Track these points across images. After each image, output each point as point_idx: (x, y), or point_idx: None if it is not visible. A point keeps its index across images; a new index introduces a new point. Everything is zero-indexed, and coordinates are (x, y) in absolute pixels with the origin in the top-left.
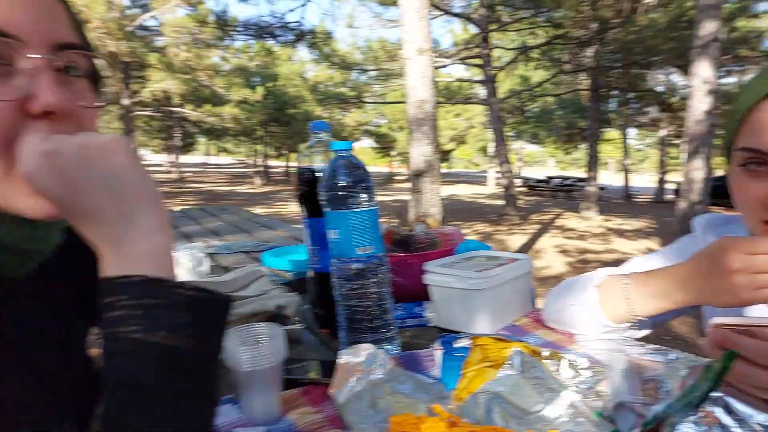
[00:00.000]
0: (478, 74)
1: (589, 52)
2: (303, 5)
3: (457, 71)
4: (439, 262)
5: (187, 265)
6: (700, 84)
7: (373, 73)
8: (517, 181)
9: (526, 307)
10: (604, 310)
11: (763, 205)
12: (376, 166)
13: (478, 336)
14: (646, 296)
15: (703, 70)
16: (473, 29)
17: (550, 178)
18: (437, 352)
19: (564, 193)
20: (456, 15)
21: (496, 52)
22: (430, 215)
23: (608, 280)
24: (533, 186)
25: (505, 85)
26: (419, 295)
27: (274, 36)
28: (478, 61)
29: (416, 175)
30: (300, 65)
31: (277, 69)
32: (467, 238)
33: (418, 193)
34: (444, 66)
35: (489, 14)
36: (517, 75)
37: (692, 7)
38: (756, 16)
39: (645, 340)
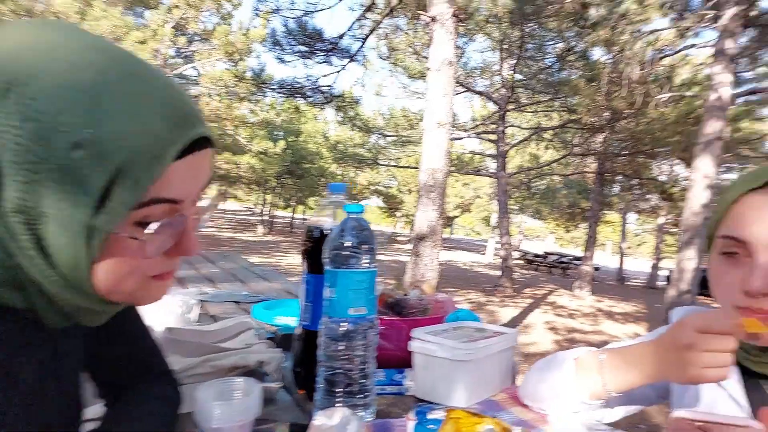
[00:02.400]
0: (490, 148)
1: (599, 137)
2: (338, 71)
3: (471, 144)
4: (427, 329)
5: (176, 311)
6: (700, 178)
7: (391, 138)
8: (516, 254)
9: (505, 383)
10: (579, 384)
11: (738, 291)
12: (380, 224)
13: (453, 409)
14: (619, 370)
15: (705, 166)
16: (492, 107)
17: (548, 253)
18: (410, 423)
19: (560, 270)
20: (478, 93)
21: (510, 130)
22: (426, 281)
23: (586, 354)
24: (530, 260)
25: (515, 161)
26: (403, 361)
27: (305, 96)
28: (492, 136)
29: (418, 239)
30: (324, 124)
31: (302, 126)
32: (459, 306)
33: (418, 257)
34: (460, 138)
35: (509, 95)
36: (527, 152)
37: (700, 106)
38: (760, 119)
39: (616, 425)
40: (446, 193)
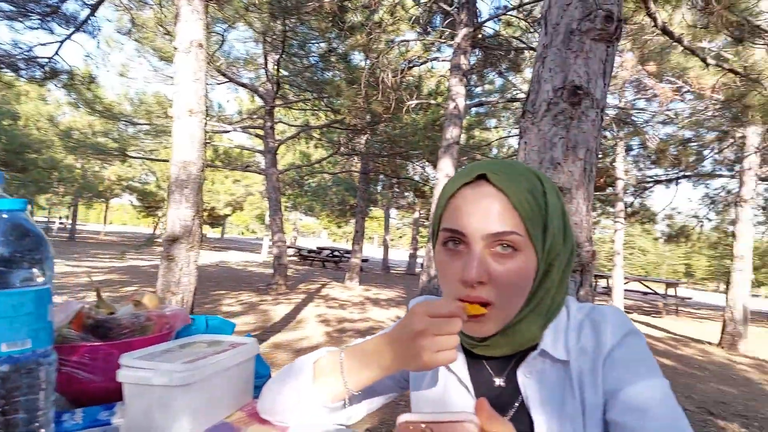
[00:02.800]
0: (259, 144)
1: (362, 138)
2: (61, 42)
3: (240, 138)
4: (141, 352)
5: None
6: (443, 177)
7: (143, 127)
8: (290, 251)
9: (243, 399)
10: (320, 389)
11: (457, 282)
12: (136, 225)
13: None
14: (358, 367)
15: (446, 166)
16: (259, 101)
17: (321, 248)
18: None
19: (333, 264)
20: (242, 85)
21: (280, 126)
22: (149, 292)
23: (326, 355)
24: (305, 256)
25: (287, 158)
26: (115, 394)
27: (15, 69)
28: (260, 131)
29: (171, 241)
30: (55, 107)
31: (20, 107)
32: (221, 313)
33: (171, 261)
34: (226, 131)
35: (275, 90)
36: (298, 150)
37: (443, 114)
38: (488, 129)
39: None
40: (215, 189)
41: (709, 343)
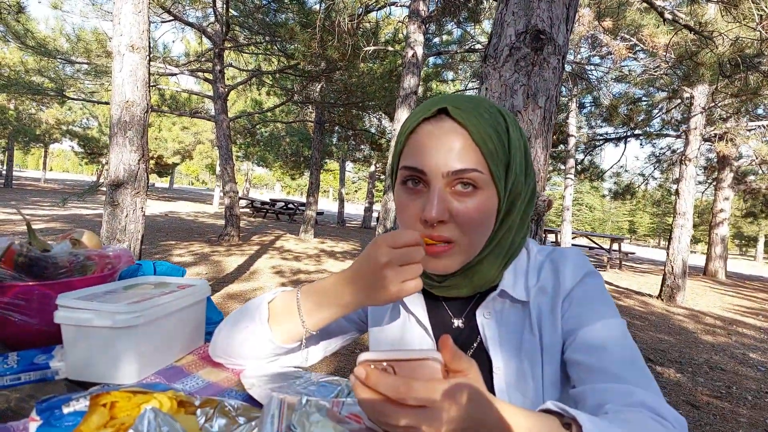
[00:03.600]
0: (209, 90)
1: (317, 87)
2: None
3: (188, 82)
4: (80, 293)
5: None
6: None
7: (83, 67)
8: (243, 202)
9: (195, 342)
10: (275, 328)
11: (418, 221)
12: (78, 173)
13: (105, 392)
14: (316, 304)
15: (404, 117)
16: (208, 43)
17: (274, 201)
18: (32, 425)
19: (287, 216)
20: (189, 24)
21: (230, 71)
22: (88, 231)
23: (280, 295)
24: (258, 208)
25: (238, 105)
26: (54, 337)
27: None
28: (209, 75)
29: (115, 186)
30: None
31: None
32: (172, 260)
33: (115, 206)
34: (173, 74)
35: (225, 32)
36: (250, 97)
37: (401, 64)
38: (445, 81)
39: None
40: (162, 137)
41: (650, 296)
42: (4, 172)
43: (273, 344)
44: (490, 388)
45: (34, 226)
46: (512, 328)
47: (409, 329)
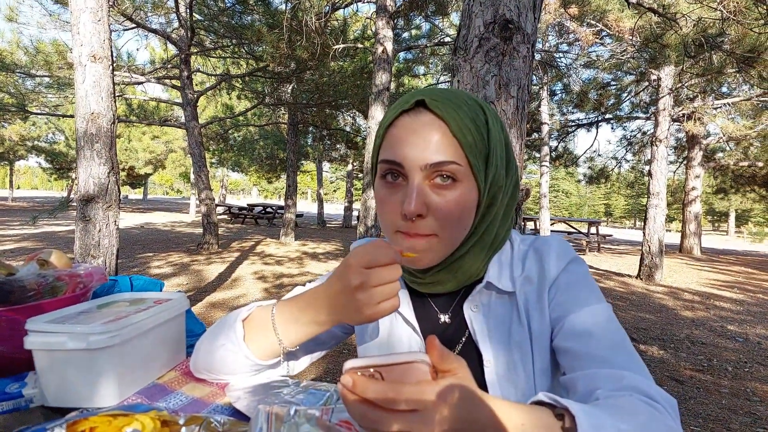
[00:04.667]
0: (177, 97)
1: (288, 88)
2: None
3: (155, 91)
4: (51, 315)
5: None
6: (375, 125)
7: (44, 80)
8: (220, 209)
9: (176, 358)
10: (251, 346)
11: (397, 215)
12: (48, 189)
13: (83, 418)
14: (292, 322)
15: (378, 114)
16: (173, 49)
17: (252, 206)
18: None
19: (266, 221)
20: (152, 31)
21: (198, 77)
22: (56, 250)
23: (255, 311)
24: (236, 214)
25: (208, 111)
26: (24, 364)
27: None
28: (177, 82)
29: (85, 201)
30: None
31: None
32: (149, 273)
33: (87, 221)
34: (139, 83)
35: (190, 37)
36: (220, 102)
37: (371, 61)
38: (417, 76)
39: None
40: (132, 147)
41: (629, 276)
42: None
43: (251, 361)
44: (482, 382)
45: (3, 247)
46: (500, 320)
47: (397, 328)
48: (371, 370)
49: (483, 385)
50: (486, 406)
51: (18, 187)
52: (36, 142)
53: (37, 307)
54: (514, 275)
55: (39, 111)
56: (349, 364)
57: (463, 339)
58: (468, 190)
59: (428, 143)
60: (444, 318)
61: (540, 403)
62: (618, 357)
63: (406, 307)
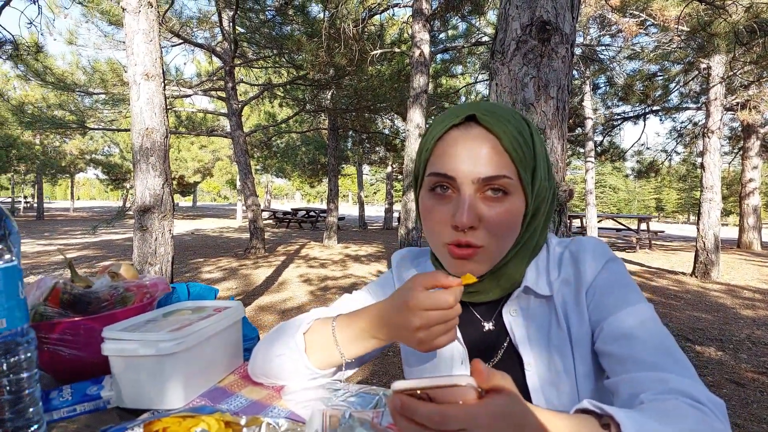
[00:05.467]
0: (223, 107)
1: (328, 94)
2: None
3: (202, 102)
4: (123, 324)
5: None
6: (413, 128)
7: (99, 97)
8: (265, 214)
9: (234, 363)
10: (312, 357)
11: (446, 227)
12: (105, 199)
13: (156, 419)
14: (352, 338)
15: (416, 117)
16: (218, 62)
17: (296, 210)
18: None
19: (309, 224)
20: (198, 45)
21: (242, 87)
22: (125, 263)
23: (315, 324)
24: (281, 218)
25: (252, 119)
26: (102, 368)
27: None
28: (222, 93)
29: (142, 212)
30: (3, 82)
31: None
32: (202, 280)
33: (144, 231)
34: (187, 96)
35: (233, 49)
36: (263, 110)
37: (409, 64)
38: (455, 76)
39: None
40: (182, 157)
41: (683, 273)
42: (35, 205)
43: (310, 371)
44: (524, 386)
45: (68, 255)
46: (539, 324)
47: None
48: (418, 392)
49: (525, 390)
50: (532, 418)
51: (78, 198)
52: (93, 155)
53: (111, 316)
54: (551, 278)
55: (96, 126)
56: (396, 385)
57: (505, 344)
58: (517, 202)
59: (480, 157)
60: (488, 326)
61: (585, 410)
62: (661, 359)
63: None
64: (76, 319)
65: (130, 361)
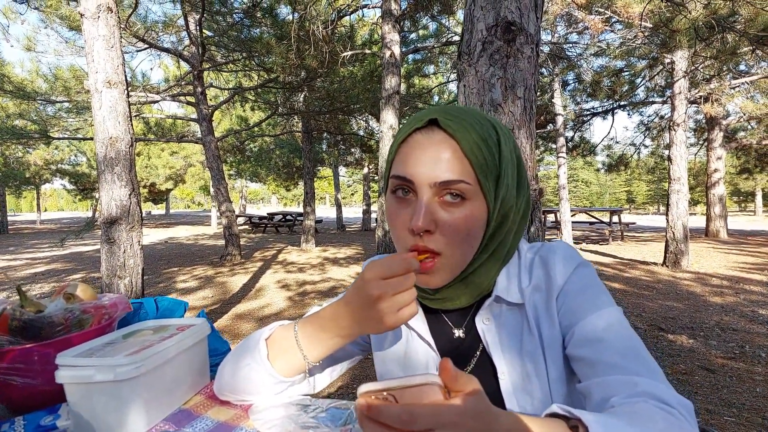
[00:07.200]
0: (192, 112)
1: (300, 96)
2: None
3: (171, 108)
4: (79, 348)
5: None
6: (387, 129)
7: (64, 105)
8: (241, 219)
9: (200, 382)
10: (276, 364)
11: (408, 231)
12: (73, 210)
13: None
14: (314, 338)
15: (389, 117)
16: (186, 66)
17: (272, 214)
18: None
19: (287, 229)
20: (165, 50)
21: (212, 91)
22: (81, 283)
23: (277, 330)
24: (256, 223)
25: (224, 124)
26: (59, 395)
27: None
28: (191, 98)
29: (109, 224)
30: None
31: None
32: (173, 294)
33: (112, 243)
34: (155, 101)
35: (201, 53)
36: (235, 114)
37: (380, 65)
38: (427, 76)
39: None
40: (152, 164)
41: (654, 264)
42: None
43: (275, 379)
44: (497, 393)
45: (35, 270)
46: (511, 331)
47: (413, 345)
48: (384, 393)
49: (499, 397)
50: (500, 421)
51: (45, 210)
52: (59, 165)
53: (66, 341)
54: (522, 285)
55: (61, 135)
56: (363, 388)
57: (478, 352)
58: (476, 208)
59: (439, 161)
60: (458, 333)
61: (555, 414)
62: (631, 362)
63: (421, 324)
64: (28, 345)
65: (87, 388)
